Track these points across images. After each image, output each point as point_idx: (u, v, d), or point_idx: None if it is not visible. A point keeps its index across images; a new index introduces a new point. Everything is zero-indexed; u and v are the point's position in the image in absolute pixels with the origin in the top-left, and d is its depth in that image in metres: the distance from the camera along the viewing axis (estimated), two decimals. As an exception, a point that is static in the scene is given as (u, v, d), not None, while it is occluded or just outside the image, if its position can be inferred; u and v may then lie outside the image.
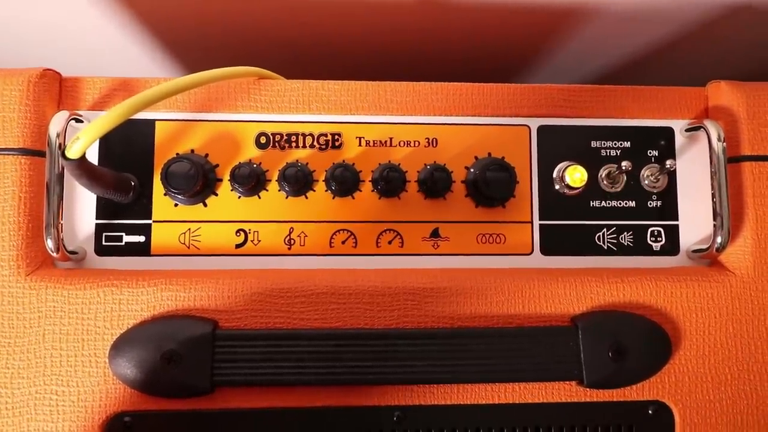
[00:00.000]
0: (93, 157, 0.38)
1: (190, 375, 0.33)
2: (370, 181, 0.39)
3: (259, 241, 0.38)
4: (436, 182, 0.38)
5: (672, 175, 0.40)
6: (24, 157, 0.35)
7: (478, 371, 0.35)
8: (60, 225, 0.35)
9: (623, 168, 0.37)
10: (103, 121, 0.30)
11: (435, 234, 0.39)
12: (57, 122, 0.35)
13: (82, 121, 0.37)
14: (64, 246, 0.35)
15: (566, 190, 0.39)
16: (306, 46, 0.56)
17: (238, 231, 0.38)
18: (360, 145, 0.39)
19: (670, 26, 0.51)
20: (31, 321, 0.34)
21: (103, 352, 0.34)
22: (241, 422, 0.34)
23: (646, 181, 0.40)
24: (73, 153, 0.30)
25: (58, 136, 0.35)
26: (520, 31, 0.53)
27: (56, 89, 0.38)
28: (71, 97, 0.38)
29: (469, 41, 0.55)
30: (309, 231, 0.38)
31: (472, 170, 0.39)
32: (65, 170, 0.34)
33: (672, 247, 0.40)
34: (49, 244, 0.35)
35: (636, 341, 0.35)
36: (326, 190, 0.39)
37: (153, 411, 0.34)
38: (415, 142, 0.40)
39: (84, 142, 0.30)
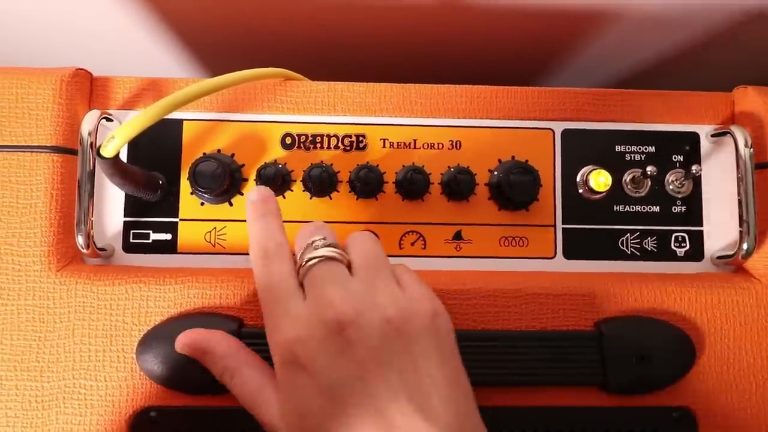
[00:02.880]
0: (123, 156, 0.38)
1: (215, 372, 0.34)
2: (393, 182, 0.39)
3: (284, 240, 0.38)
4: (459, 185, 0.38)
5: (697, 180, 0.40)
6: (56, 155, 0.36)
7: (499, 374, 0.35)
8: (90, 222, 0.36)
9: (648, 173, 0.37)
10: (137, 121, 0.31)
11: (458, 236, 0.39)
12: (89, 121, 0.36)
13: (112, 120, 0.38)
14: (93, 243, 0.36)
15: (590, 195, 0.39)
16: (330, 47, 0.56)
17: (262, 230, 0.38)
18: (384, 146, 0.39)
19: (694, 30, 0.51)
20: (61, 316, 0.35)
21: (130, 347, 0.35)
22: (265, 420, 0.35)
23: (671, 186, 0.40)
24: (107, 152, 0.31)
25: (89, 134, 0.35)
26: (543, 33, 0.53)
27: (87, 88, 0.38)
28: (102, 97, 0.39)
29: (491, 44, 0.55)
30: (333, 231, 0.39)
31: (495, 173, 0.39)
32: (98, 168, 0.35)
33: (696, 253, 0.40)
34: (80, 240, 0.36)
35: (660, 347, 0.35)
36: (350, 191, 0.39)
37: (178, 407, 0.34)
38: (438, 144, 0.40)
39: (119, 141, 0.30)
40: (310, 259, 0.30)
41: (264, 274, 0.31)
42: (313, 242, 0.31)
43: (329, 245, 0.31)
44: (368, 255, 0.31)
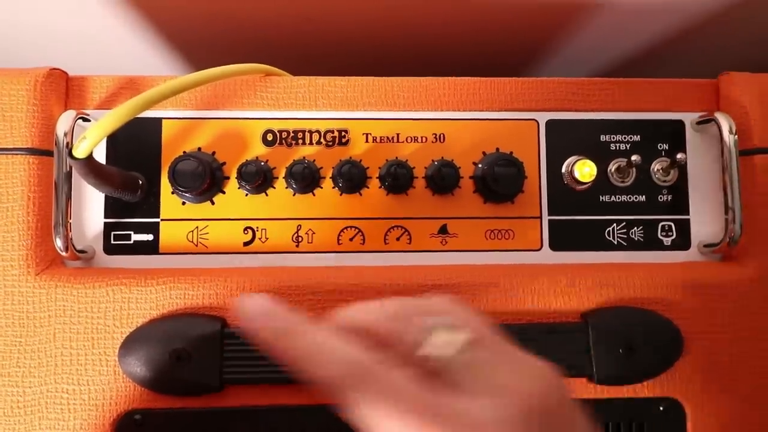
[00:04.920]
0: (101, 156, 0.38)
1: (199, 373, 0.33)
2: (377, 177, 0.39)
3: (267, 238, 0.38)
4: (443, 178, 0.38)
5: (683, 168, 0.40)
6: (32, 156, 0.35)
7: (487, 368, 0.35)
8: (69, 224, 0.36)
9: (633, 162, 0.37)
10: (108, 120, 0.30)
11: (443, 230, 0.39)
12: (64, 122, 0.35)
13: (89, 120, 0.37)
14: (72, 245, 0.36)
15: (575, 185, 0.39)
16: (312, 42, 0.55)
17: (245, 229, 0.38)
18: (367, 141, 0.39)
19: (681, 17, 0.51)
20: (41, 320, 0.34)
21: (112, 350, 0.34)
22: (251, 420, 0.34)
23: (657, 175, 0.40)
24: (80, 152, 0.30)
25: (65, 135, 0.35)
26: (529, 23, 0.52)
27: (63, 88, 0.38)
28: (78, 96, 0.38)
29: (477, 35, 0.55)
30: (317, 228, 0.38)
31: (480, 166, 0.39)
32: (73, 169, 0.35)
33: (683, 241, 0.39)
34: (58, 243, 0.35)
35: (647, 337, 0.35)
36: (333, 187, 0.38)
37: (163, 409, 0.34)
38: (422, 137, 0.39)
39: (90, 141, 0.30)
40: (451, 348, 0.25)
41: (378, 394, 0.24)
42: (434, 327, 0.25)
43: (452, 326, 0.25)
44: (482, 329, 0.27)
